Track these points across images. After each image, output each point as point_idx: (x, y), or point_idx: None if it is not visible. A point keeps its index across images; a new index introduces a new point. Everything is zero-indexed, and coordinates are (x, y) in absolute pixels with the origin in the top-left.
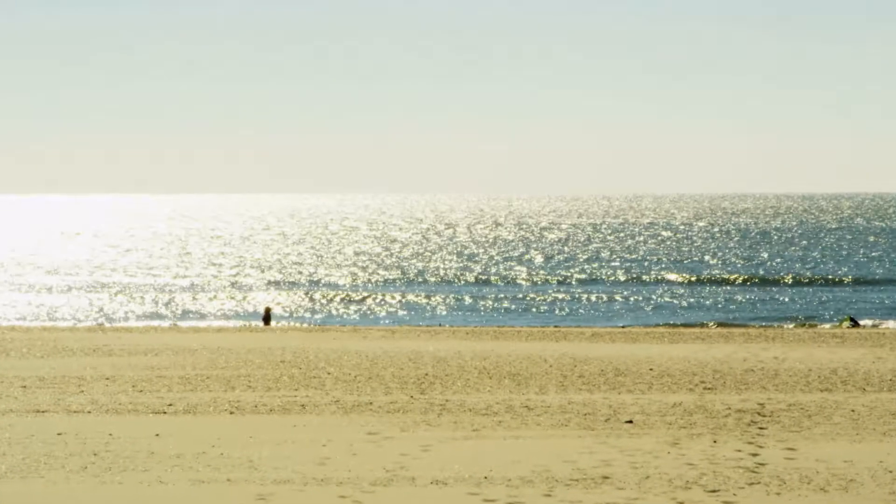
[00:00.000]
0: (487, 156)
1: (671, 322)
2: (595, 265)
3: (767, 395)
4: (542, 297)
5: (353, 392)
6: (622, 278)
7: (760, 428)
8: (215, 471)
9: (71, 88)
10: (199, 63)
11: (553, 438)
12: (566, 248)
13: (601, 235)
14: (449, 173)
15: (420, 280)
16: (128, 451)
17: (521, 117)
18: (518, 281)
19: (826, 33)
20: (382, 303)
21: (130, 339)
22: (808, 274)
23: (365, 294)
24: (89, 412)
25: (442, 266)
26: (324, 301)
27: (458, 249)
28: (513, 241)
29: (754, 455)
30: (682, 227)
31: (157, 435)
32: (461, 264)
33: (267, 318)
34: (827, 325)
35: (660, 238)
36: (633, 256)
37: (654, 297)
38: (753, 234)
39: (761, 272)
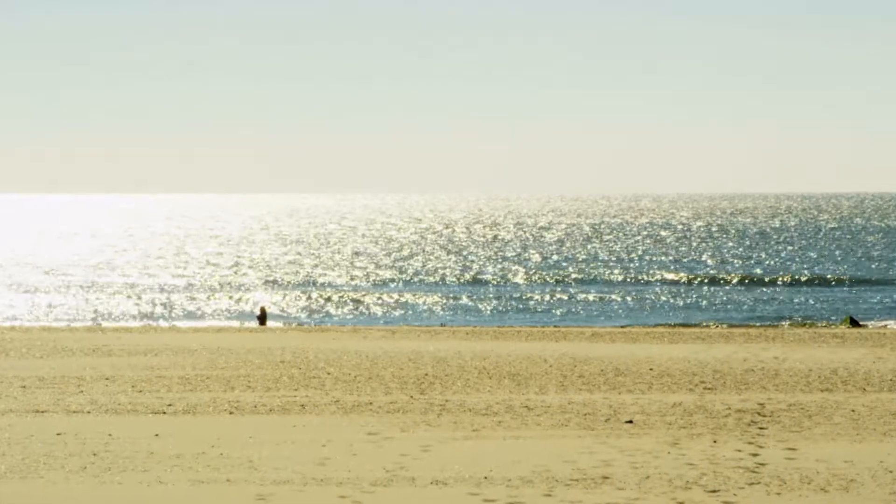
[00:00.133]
0: (487, 156)
1: (671, 322)
2: (595, 265)
3: (768, 395)
4: (542, 297)
5: (353, 392)
6: (622, 278)
7: (761, 428)
8: (215, 471)
9: (71, 88)
10: (199, 63)
11: (553, 438)
12: (566, 248)
13: (601, 235)
14: (449, 173)
15: (419, 280)
16: (127, 451)
17: (521, 117)
18: (518, 281)
19: (826, 33)
20: (381, 303)
21: (130, 339)
22: (808, 274)
23: (363, 294)
24: (89, 412)
25: (442, 266)
26: (321, 301)
27: (458, 250)
28: (512, 241)
29: (754, 455)
30: (681, 227)
31: (157, 435)
32: (461, 264)
33: (262, 317)
34: (827, 325)
35: (660, 238)
36: (633, 256)
37: (653, 297)
38: (753, 234)
39: (761, 272)
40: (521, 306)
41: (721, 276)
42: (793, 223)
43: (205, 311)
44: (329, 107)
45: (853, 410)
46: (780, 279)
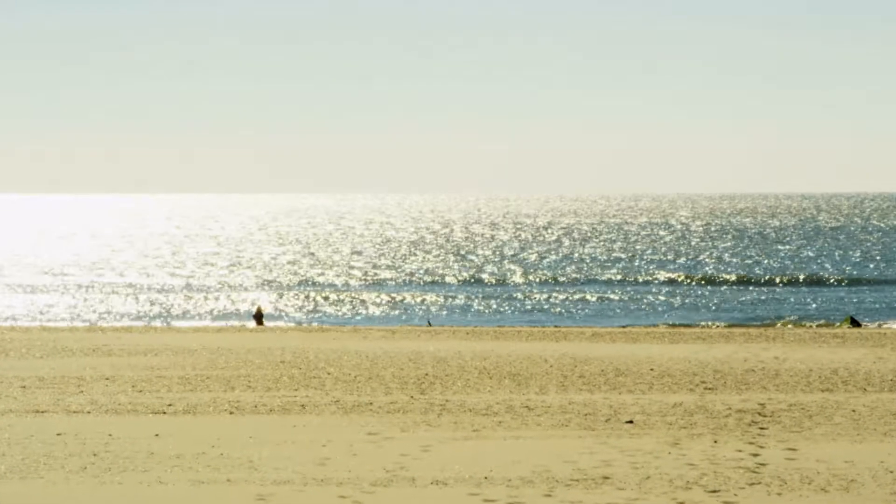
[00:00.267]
0: (487, 156)
1: (671, 322)
2: (595, 265)
3: (768, 396)
4: (543, 297)
5: (354, 392)
6: (622, 278)
7: (761, 428)
8: (215, 471)
9: (71, 88)
10: (199, 63)
11: (553, 439)
12: (566, 248)
13: (601, 235)
14: (449, 173)
15: (418, 280)
16: (127, 451)
17: (520, 117)
18: (518, 281)
19: (826, 33)
20: (380, 303)
21: (130, 339)
22: (808, 274)
23: (362, 294)
24: (89, 412)
25: (441, 266)
26: (319, 301)
27: (458, 249)
28: (512, 241)
29: (755, 455)
30: (681, 227)
31: (157, 435)
32: (461, 264)
33: (259, 317)
34: (827, 325)
35: (660, 238)
36: (634, 256)
37: (654, 297)
38: (753, 234)
39: (762, 272)
40: (521, 306)
41: (721, 276)
42: (792, 223)
43: (201, 311)
44: (329, 107)
45: (854, 410)
46: (781, 279)
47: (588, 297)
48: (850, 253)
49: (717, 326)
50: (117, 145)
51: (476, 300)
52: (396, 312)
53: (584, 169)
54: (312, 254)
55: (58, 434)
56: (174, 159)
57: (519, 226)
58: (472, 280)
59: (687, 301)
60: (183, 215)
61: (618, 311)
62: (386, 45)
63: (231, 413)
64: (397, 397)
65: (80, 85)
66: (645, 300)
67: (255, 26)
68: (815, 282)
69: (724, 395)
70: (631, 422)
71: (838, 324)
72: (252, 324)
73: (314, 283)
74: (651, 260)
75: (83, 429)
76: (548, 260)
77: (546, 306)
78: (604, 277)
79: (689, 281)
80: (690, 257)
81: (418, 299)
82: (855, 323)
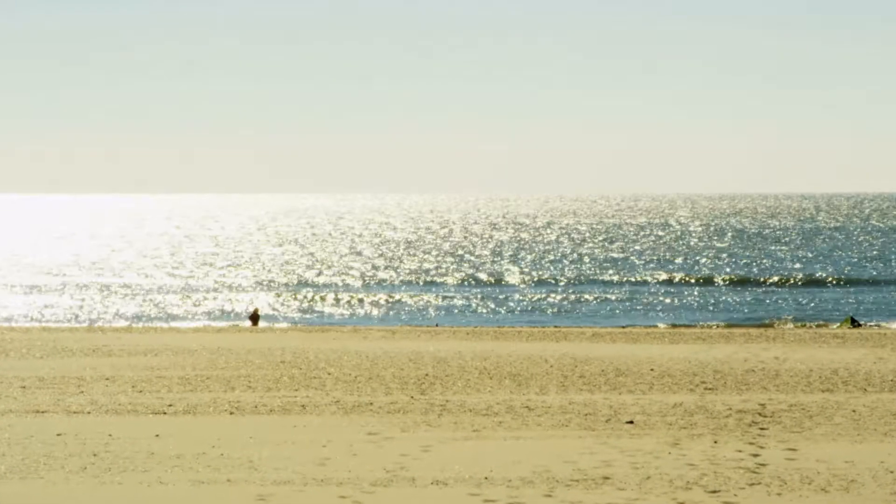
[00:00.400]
0: (487, 156)
1: (672, 322)
2: (595, 265)
3: (768, 396)
4: (543, 298)
5: (354, 392)
6: (622, 278)
7: (761, 428)
8: (215, 471)
9: (71, 88)
10: (199, 63)
11: (554, 439)
12: (566, 248)
13: (601, 235)
14: (449, 173)
15: (418, 280)
16: (127, 451)
17: (520, 117)
18: (518, 281)
19: (826, 33)
20: (379, 303)
21: (130, 339)
22: (808, 274)
23: (360, 294)
24: (89, 413)
25: (441, 266)
26: (319, 301)
27: (457, 249)
28: (512, 241)
29: (755, 455)
30: (681, 227)
31: (157, 435)
32: (461, 265)
33: (255, 318)
34: (827, 326)
35: (660, 238)
36: (634, 256)
37: (654, 297)
38: (753, 234)
39: (762, 272)
40: (521, 306)
41: (721, 276)
42: (792, 223)
43: (198, 312)
44: (329, 107)
45: (854, 411)
46: (781, 280)
47: (588, 297)
48: (850, 253)
49: (718, 327)
50: (117, 145)
51: (476, 300)
52: (396, 313)
53: (584, 169)
54: (311, 254)
55: (58, 434)
56: (174, 159)
57: (519, 226)
58: (472, 280)
59: (687, 301)
60: (183, 215)
61: (618, 311)
62: (386, 45)
63: (231, 413)
64: (397, 397)
65: (80, 85)
66: (645, 300)
67: (255, 26)
68: (815, 282)
69: (725, 396)
70: (631, 422)
71: (838, 324)
72: (247, 324)
73: (313, 284)
74: (651, 260)
75: (83, 429)
76: (548, 260)
77: (546, 306)
78: (604, 278)
79: (689, 281)
80: (690, 258)
81: (418, 299)
82: (855, 323)
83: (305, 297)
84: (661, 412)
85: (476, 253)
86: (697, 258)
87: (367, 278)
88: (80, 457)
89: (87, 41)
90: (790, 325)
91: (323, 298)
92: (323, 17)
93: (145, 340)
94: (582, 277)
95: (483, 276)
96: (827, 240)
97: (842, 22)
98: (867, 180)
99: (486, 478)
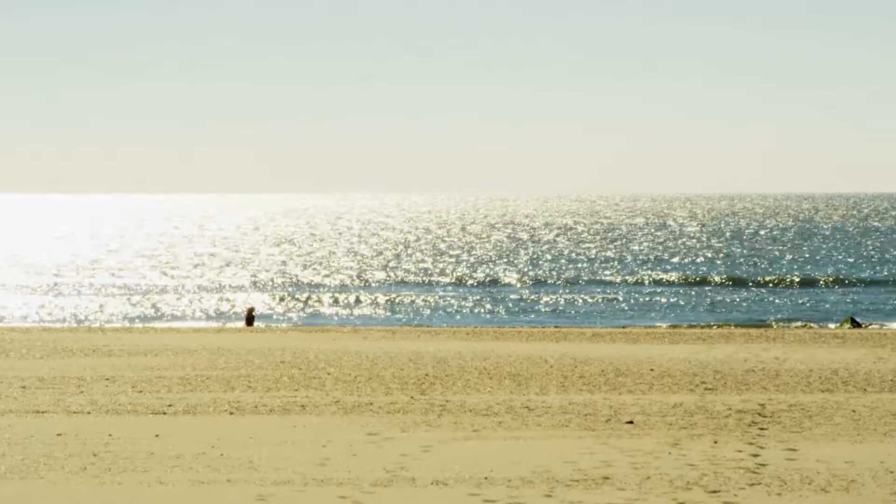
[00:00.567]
0: (487, 156)
1: (672, 322)
2: (595, 265)
3: (768, 396)
4: (543, 298)
5: (354, 392)
6: (622, 278)
7: (761, 428)
8: (215, 471)
9: (71, 88)
10: (199, 63)
11: (554, 439)
12: (566, 248)
13: (601, 235)
14: (449, 173)
15: (418, 280)
16: (127, 451)
17: (520, 117)
18: (517, 281)
19: (826, 33)
20: (378, 303)
21: (130, 339)
22: (808, 274)
23: (360, 295)
24: (89, 413)
25: (440, 266)
26: (318, 301)
27: (457, 250)
28: (511, 240)
29: (755, 456)
30: (681, 226)
31: (157, 435)
32: (460, 264)
33: (250, 318)
34: (829, 326)
35: (660, 238)
36: (634, 256)
37: (654, 297)
38: (753, 234)
39: (761, 272)
40: (521, 307)
41: (721, 276)
42: (792, 223)
43: (194, 312)
44: (329, 107)
45: (854, 411)
46: (781, 280)
47: (588, 297)
48: (850, 253)
49: (717, 327)
50: (117, 145)
51: (476, 300)
52: (396, 313)
53: (584, 169)
54: (310, 254)
55: (58, 434)
56: (174, 159)
57: (518, 226)
58: (472, 280)
59: (687, 301)
60: (182, 215)
61: (618, 311)
62: (386, 45)
63: (231, 413)
64: (397, 398)
65: (80, 85)
66: (645, 300)
67: (255, 26)
68: (815, 282)
69: (725, 396)
70: (631, 422)
71: (838, 324)
72: (241, 325)
73: (312, 284)
74: (651, 260)
75: (83, 429)
76: (547, 260)
77: (546, 307)
78: (604, 278)
79: (689, 281)
80: (690, 258)
81: (419, 299)
82: (855, 323)
83: (304, 297)
84: (661, 412)
85: (476, 253)
86: (697, 258)
87: (367, 278)
88: (80, 457)
89: (86, 41)
90: (790, 326)
91: (320, 300)
92: (323, 17)
93: (145, 340)
94: (582, 277)
95: (482, 276)
96: (828, 240)
97: (842, 22)
98: (866, 180)
99: (486, 478)
